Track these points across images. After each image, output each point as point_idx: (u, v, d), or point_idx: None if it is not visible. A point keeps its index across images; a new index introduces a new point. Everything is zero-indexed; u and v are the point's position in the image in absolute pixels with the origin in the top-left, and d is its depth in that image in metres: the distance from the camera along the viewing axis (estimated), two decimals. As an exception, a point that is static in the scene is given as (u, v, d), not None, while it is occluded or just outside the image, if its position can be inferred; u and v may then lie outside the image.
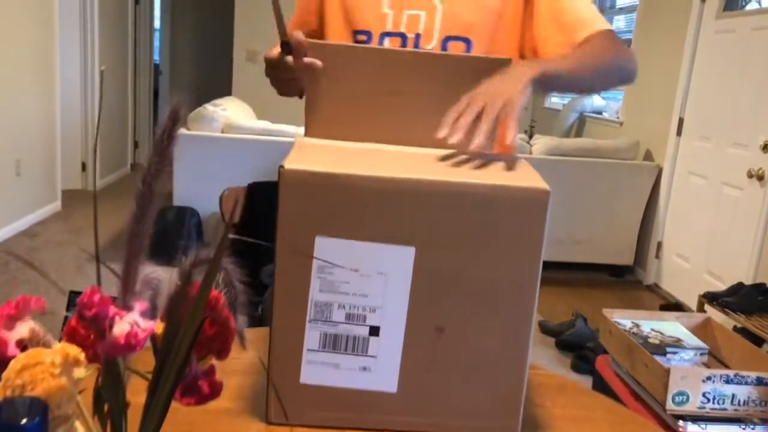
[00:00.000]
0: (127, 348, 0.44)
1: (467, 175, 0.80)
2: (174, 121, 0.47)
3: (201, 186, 3.82)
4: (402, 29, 1.16)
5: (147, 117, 7.18)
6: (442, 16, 1.13)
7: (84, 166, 5.71)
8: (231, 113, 3.98)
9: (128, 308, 0.47)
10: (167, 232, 3.73)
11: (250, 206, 1.76)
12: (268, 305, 0.84)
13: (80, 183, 5.70)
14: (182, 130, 3.89)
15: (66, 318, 2.62)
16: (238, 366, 0.99)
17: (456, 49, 1.14)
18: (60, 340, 0.51)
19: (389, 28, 1.17)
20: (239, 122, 3.89)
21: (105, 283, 0.54)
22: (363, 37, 1.19)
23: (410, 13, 1.15)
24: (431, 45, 1.14)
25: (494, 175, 0.81)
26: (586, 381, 2.65)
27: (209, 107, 3.91)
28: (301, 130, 4.00)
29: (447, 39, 1.14)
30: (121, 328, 0.45)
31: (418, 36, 1.15)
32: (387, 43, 1.17)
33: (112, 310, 0.45)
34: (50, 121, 4.82)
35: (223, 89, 6.47)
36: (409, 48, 1.15)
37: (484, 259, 0.81)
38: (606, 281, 4.34)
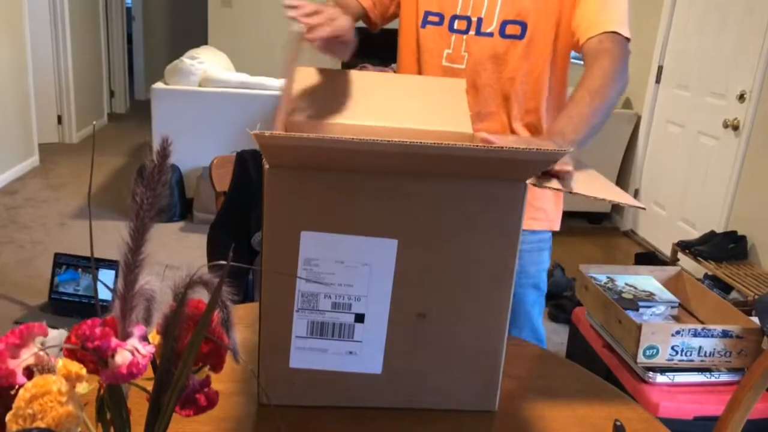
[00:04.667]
0: (129, 376, 0.47)
1: (447, 172, 0.83)
2: (164, 158, 0.49)
3: (181, 141, 3.76)
4: (469, 12, 1.29)
5: (122, 65, 6.99)
6: (502, 2, 1.26)
7: (60, 119, 5.59)
8: (208, 66, 3.91)
9: (127, 335, 0.50)
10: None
11: (239, 175, 1.78)
12: (258, 273, 0.87)
13: (57, 136, 5.60)
14: (159, 84, 3.82)
15: (53, 277, 2.59)
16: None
17: (513, 30, 1.26)
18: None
19: (459, 11, 1.30)
20: (217, 75, 3.83)
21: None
22: (435, 18, 1.33)
23: None
24: (491, 28, 1.27)
25: (473, 171, 0.84)
26: (563, 330, 2.75)
27: (186, 60, 3.83)
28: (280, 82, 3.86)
29: (505, 23, 1.27)
30: (122, 357, 0.48)
31: (480, 20, 1.28)
32: (456, 25, 1.30)
33: (114, 341, 0.47)
34: (21, 73, 4.69)
35: (199, 35, 6.29)
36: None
37: (463, 250, 0.84)
38: (584, 228, 4.43)
